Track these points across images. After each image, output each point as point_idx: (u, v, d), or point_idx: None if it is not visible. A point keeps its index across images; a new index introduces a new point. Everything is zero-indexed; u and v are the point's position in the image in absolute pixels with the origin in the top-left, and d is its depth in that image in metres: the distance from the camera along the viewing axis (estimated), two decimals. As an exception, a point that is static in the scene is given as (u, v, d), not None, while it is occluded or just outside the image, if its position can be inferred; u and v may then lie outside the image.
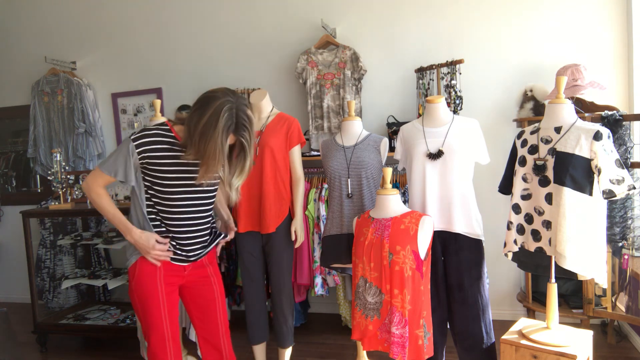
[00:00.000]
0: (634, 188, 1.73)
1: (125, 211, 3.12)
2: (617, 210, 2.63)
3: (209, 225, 1.90)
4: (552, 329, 1.99)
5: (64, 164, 3.49)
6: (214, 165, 1.61)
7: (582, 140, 1.78)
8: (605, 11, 3.07)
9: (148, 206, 1.78)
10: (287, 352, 2.65)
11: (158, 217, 1.78)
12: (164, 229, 1.79)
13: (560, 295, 2.93)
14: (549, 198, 1.84)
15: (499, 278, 3.35)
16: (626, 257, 2.63)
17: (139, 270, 1.77)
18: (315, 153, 3.33)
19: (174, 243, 1.79)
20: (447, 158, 2.08)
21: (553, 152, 1.84)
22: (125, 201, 3.33)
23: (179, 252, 1.80)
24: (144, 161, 1.71)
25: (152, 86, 3.97)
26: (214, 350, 1.94)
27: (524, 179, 1.95)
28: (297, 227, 2.51)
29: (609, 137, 1.78)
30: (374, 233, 2.01)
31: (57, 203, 3.42)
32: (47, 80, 4.02)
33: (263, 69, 3.68)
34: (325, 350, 3.06)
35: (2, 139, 4.41)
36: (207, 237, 1.89)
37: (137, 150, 1.69)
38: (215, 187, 1.87)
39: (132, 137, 1.70)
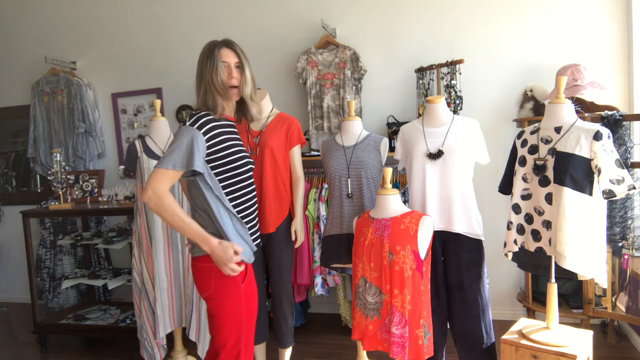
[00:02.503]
0: (634, 188, 1.73)
1: (127, 211, 3.12)
2: (617, 210, 2.63)
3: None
4: (552, 329, 1.99)
5: (64, 164, 3.49)
6: (225, 80, 1.76)
7: (582, 140, 1.78)
8: (605, 11, 3.07)
9: (224, 187, 1.74)
10: (287, 352, 2.65)
11: (233, 197, 1.78)
12: (240, 206, 1.80)
13: (560, 295, 2.93)
14: (549, 198, 1.84)
15: (499, 278, 3.35)
16: (626, 257, 2.63)
17: (234, 277, 1.74)
18: (315, 153, 3.33)
19: (251, 217, 1.86)
20: (447, 158, 2.08)
21: (553, 152, 1.84)
22: (125, 201, 3.33)
23: (254, 227, 1.88)
24: (210, 142, 1.68)
25: (152, 86, 3.97)
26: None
27: (524, 179, 1.95)
28: (297, 227, 2.52)
29: (609, 137, 1.78)
30: (374, 233, 2.01)
31: (57, 203, 3.42)
32: (47, 80, 4.02)
33: (263, 69, 3.68)
34: (325, 350, 3.06)
35: (2, 139, 4.41)
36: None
37: (203, 131, 1.67)
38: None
39: (192, 123, 1.68)
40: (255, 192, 1.90)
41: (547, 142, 1.88)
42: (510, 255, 2.06)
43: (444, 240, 2.14)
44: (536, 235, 1.91)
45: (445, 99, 2.90)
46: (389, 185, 2.08)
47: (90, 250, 3.87)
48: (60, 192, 3.34)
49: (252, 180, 1.89)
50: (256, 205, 1.91)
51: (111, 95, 4.09)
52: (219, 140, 1.71)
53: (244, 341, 1.75)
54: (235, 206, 1.77)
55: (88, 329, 3.22)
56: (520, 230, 1.98)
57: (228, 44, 1.82)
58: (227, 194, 1.75)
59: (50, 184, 3.82)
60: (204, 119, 1.70)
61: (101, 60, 4.09)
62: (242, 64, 1.82)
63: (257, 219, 1.91)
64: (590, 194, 1.79)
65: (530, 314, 3.04)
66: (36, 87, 4.05)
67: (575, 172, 1.77)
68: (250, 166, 1.85)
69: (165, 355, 2.81)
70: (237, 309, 1.72)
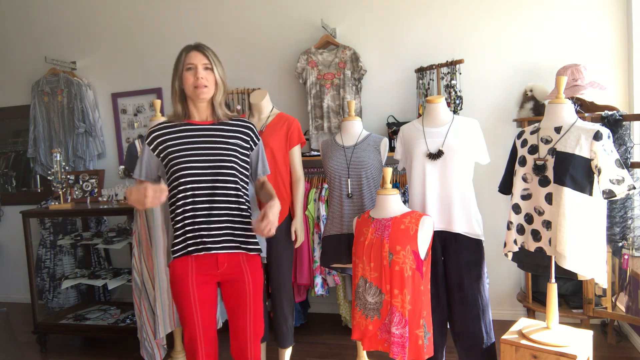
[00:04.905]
0: (634, 188, 1.73)
1: (127, 211, 3.13)
2: (617, 210, 2.63)
3: (231, 214, 1.77)
4: (552, 329, 1.99)
5: (64, 164, 3.49)
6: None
7: (582, 140, 1.78)
8: (605, 11, 3.07)
9: (170, 199, 1.78)
10: (287, 352, 2.65)
11: (178, 204, 1.75)
12: (180, 215, 1.75)
13: (560, 295, 2.93)
14: (549, 198, 1.84)
15: (499, 278, 3.35)
16: (626, 257, 2.63)
17: (173, 268, 1.80)
18: (315, 153, 3.33)
19: (194, 227, 1.74)
20: (447, 158, 2.08)
21: (553, 152, 1.84)
22: (125, 201, 3.33)
23: (198, 238, 1.75)
24: (155, 152, 1.81)
25: (152, 86, 3.97)
26: (240, 352, 1.90)
27: (524, 179, 1.95)
28: (297, 227, 2.52)
29: (609, 137, 1.78)
30: (374, 233, 2.01)
31: (57, 203, 3.42)
32: (47, 80, 4.02)
33: (263, 69, 3.68)
34: (325, 350, 3.06)
35: (2, 139, 4.41)
36: (230, 230, 1.78)
37: (147, 141, 1.82)
38: (228, 160, 1.78)
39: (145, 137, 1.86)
40: (192, 205, 1.73)
41: (547, 142, 1.88)
42: (510, 255, 2.06)
43: (444, 240, 2.14)
44: (536, 235, 1.91)
45: (445, 99, 2.90)
46: (389, 185, 2.08)
47: (90, 250, 3.87)
48: (60, 192, 3.34)
49: (190, 191, 1.73)
50: (190, 219, 1.74)
51: (111, 95, 4.09)
52: (159, 149, 1.81)
53: (198, 338, 1.80)
54: (170, 212, 1.80)
55: (88, 329, 3.22)
56: (520, 230, 1.98)
57: (197, 47, 1.82)
58: (171, 203, 1.80)
59: (50, 184, 3.82)
60: (149, 131, 1.85)
61: (101, 60, 4.10)
62: (211, 65, 1.80)
63: (189, 233, 1.74)
64: (590, 194, 1.79)
65: (530, 314, 3.04)
66: (36, 87, 4.05)
67: (575, 172, 1.77)
68: (187, 178, 1.73)
69: (165, 355, 2.81)
70: (184, 310, 1.80)
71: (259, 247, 1.85)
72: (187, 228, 1.75)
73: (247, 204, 1.84)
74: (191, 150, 1.77)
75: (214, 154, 1.77)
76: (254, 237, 1.83)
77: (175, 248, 1.77)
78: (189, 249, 1.75)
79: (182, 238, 1.76)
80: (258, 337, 1.90)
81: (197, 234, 1.75)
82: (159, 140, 1.81)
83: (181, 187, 1.74)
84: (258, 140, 1.92)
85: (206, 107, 1.85)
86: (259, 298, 1.89)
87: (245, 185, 1.85)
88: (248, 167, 1.89)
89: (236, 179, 1.79)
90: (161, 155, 1.81)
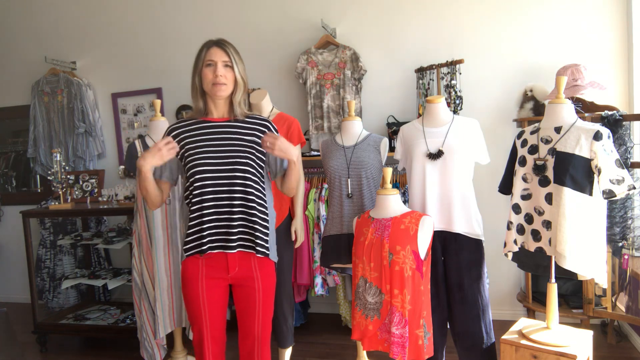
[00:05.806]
0: (634, 188, 1.73)
1: (127, 211, 3.13)
2: (617, 210, 2.63)
3: (246, 212, 1.74)
4: (552, 329, 1.99)
5: (64, 164, 3.49)
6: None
7: (582, 140, 1.78)
8: (605, 11, 3.07)
9: (186, 197, 1.78)
10: (287, 352, 2.65)
11: (194, 200, 1.74)
12: (195, 212, 1.74)
13: (560, 295, 2.93)
14: (549, 198, 1.84)
15: (499, 278, 3.35)
16: (626, 257, 2.63)
17: (184, 267, 1.79)
18: (315, 153, 3.33)
19: (207, 225, 1.72)
20: (447, 158, 2.08)
21: (553, 152, 1.84)
22: (125, 201, 3.34)
23: (212, 236, 1.74)
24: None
25: (152, 86, 3.97)
26: (248, 355, 1.88)
27: (524, 179, 1.95)
28: (297, 227, 2.52)
29: (609, 137, 1.78)
30: (374, 233, 2.01)
31: (57, 203, 3.42)
32: (47, 80, 4.02)
33: (263, 69, 3.68)
34: (325, 350, 3.06)
35: (2, 139, 4.41)
36: (244, 229, 1.75)
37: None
38: (244, 157, 1.74)
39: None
40: (207, 202, 1.71)
41: (547, 142, 1.88)
42: (510, 255, 2.06)
43: (444, 240, 2.14)
44: (536, 235, 1.91)
45: (445, 99, 2.90)
46: (389, 185, 2.08)
47: (90, 250, 3.87)
48: (60, 192, 3.34)
49: (205, 188, 1.71)
50: (204, 217, 1.72)
51: (111, 95, 4.09)
52: (183, 141, 1.78)
53: (206, 335, 1.81)
54: (189, 210, 1.78)
55: (88, 329, 3.22)
56: (520, 230, 1.98)
57: (218, 42, 1.77)
58: (186, 197, 1.80)
59: (50, 184, 3.82)
60: (167, 129, 1.83)
61: (101, 60, 4.10)
62: (231, 63, 1.76)
63: (204, 231, 1.72)
64: (590, 194, 1.79)
65: (530, 314, 3.04)
66: (36, 87, 4.05)
67: (575, 172, 1.77)
68: (202, 175, 1.71)
69: (165, 355, 2.81)
70: (193, 307, 1.80)
71: (268, 251, 1.78)
72: (202, 226, 1.72)
73: (264, 203, 1.78)
74: (206, 147, 1.74)
75: (229, 151, 1.74)
76: (267, 240, 1.78)
77: (188, 246, 1.75)
78: (203, 247, 1.72)
79: (196, 236, 1.74)
80: (266, 340, 1.88)
81: (212, 231, 1.73)
82: (176, 138, 1.79)
83: (197, 184, 1.72)
84: (276, 132, 1.85)
85: (224, 104, 1.81)
86: (269, 303, 1.85)
87: (263, 183, 1.81)
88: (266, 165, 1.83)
89: (252, 177, 1.75)
90: (179, 151, 1.78)
